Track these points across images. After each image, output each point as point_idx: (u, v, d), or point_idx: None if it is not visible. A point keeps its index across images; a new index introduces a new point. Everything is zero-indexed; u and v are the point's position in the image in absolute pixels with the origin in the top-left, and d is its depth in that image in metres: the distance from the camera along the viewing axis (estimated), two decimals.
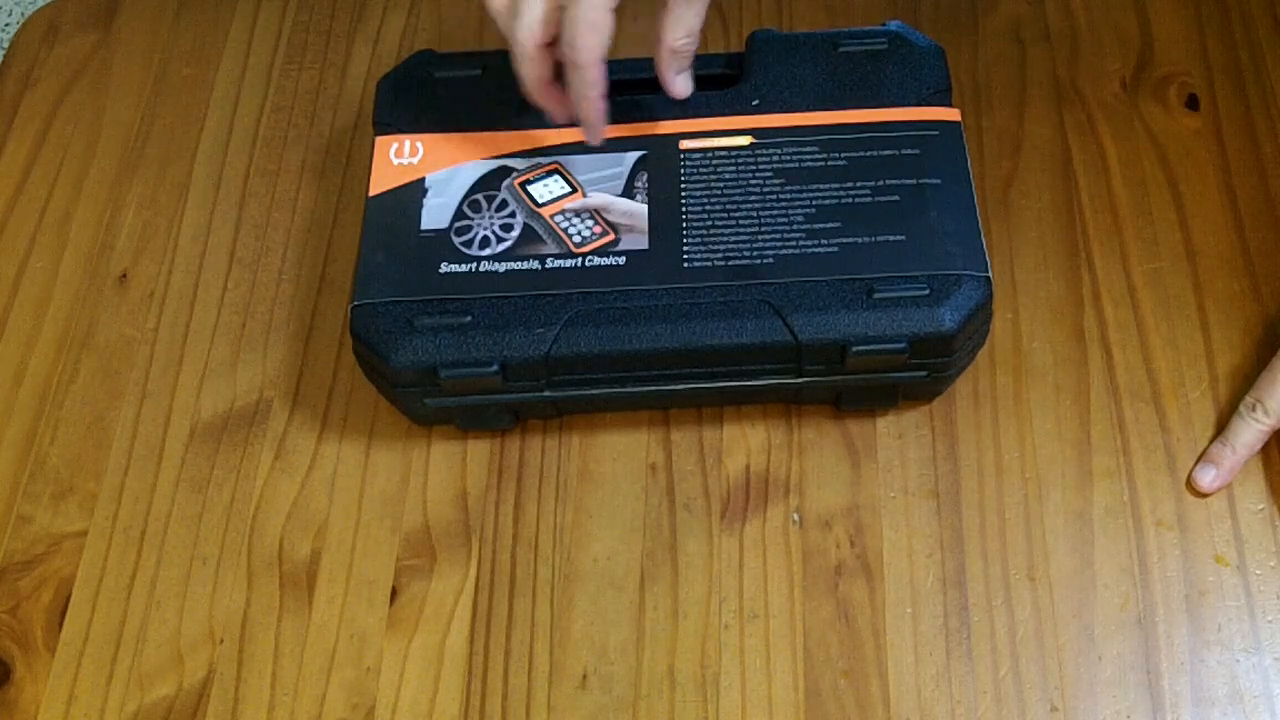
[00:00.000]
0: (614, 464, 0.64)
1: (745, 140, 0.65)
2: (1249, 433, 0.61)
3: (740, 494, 0.62)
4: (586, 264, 0.61)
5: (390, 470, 0.64)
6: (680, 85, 0.65)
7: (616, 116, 0.66)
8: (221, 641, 0.60)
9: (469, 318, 0.60)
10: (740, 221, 0.62)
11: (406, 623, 0.60)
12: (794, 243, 0.61)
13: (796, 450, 0.63)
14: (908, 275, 0.60)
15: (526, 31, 0.60)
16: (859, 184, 0.63)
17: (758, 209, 0.62)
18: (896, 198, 0.62)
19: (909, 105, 0.65)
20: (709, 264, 0.61)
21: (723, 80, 0.68)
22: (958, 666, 0.58)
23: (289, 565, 0.62)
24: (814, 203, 0.62)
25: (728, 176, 0.64)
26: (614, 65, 0.70)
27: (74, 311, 0.70)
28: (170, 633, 0.60)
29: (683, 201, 0.63)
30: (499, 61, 0.69)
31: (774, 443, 0.63)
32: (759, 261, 0.61)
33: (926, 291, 0.59)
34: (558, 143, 0.65)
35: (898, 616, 0.59)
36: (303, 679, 0.59)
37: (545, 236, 0.62)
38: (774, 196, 0.63)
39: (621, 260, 0.61)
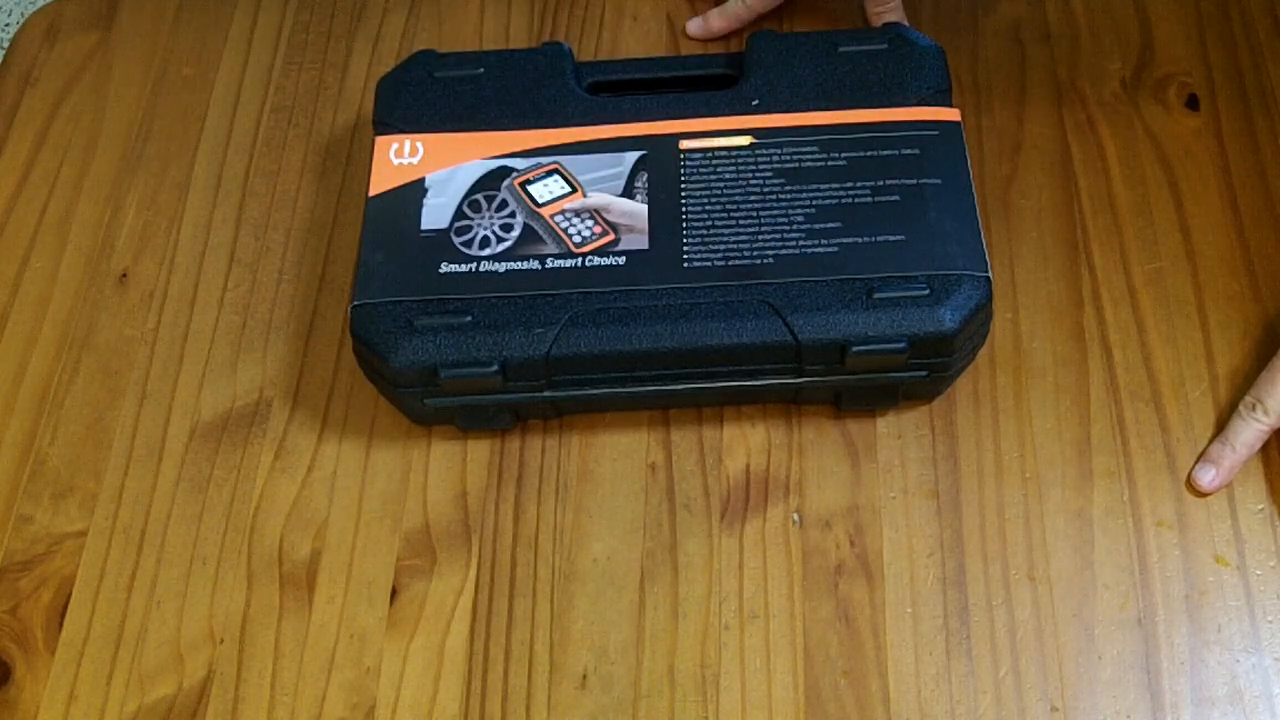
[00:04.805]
0: (614, 464, 0.64)
1: (745, 140, 0.65)
2: (1249, 432, 0.61)
3: (740, 494, 0.62)
4: (586, 264, 0.61)
5: (390, 470, 0.64)
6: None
7: (616, 116, 0.66)
8: (221, 641, 0.60)
9: (469, 318, 0.60)
10: (740, 221, 0.62)
11: (406, 623, 0.60)
12: (794, 243, 0.61)
13: (796, 450, 0.63)
14: (908, 275, 0.60)
15: None
16: (859, 184, 0.63)
17: (758, 209, 0.62)
18: (896, 198, 0.62)
19: (909, 105, 0.65)
20: (709, 264, 0.61)
21: (723, 80, 0.68)
22: (958, 666, 0.58)
23: (289, 565, 0.62)
24: (814, 203, 0.62)
25: (728, 176, 0.64)
26: (614, 65, 0.70)
27: (74, 311, 0.70)
28: (170, 633, 0.60)
29: (683, 201, 0.63)
30: (499, 61, 0.69)
31: (774, 443, 0.63)
32: (759, 261, 0.61)
33: (926, 291, 0.59)
34: (558, 143, 0.65)
35: (898, 616, 0.59)
36: (303, 679, 0.59)
37: (545, 236, 0.62)
38: (774, 196, 0.63)
39: (621, 260, 0.61)
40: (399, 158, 0.65)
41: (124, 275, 0.71)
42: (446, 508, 0.63)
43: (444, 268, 0.62)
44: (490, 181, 0.64)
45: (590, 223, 0.63)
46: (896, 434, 0.63)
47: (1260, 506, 0.61)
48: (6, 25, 1.54)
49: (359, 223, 0.70)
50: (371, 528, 0.63)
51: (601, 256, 0.62)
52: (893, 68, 0.67)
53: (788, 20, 0.78)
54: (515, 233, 0.63)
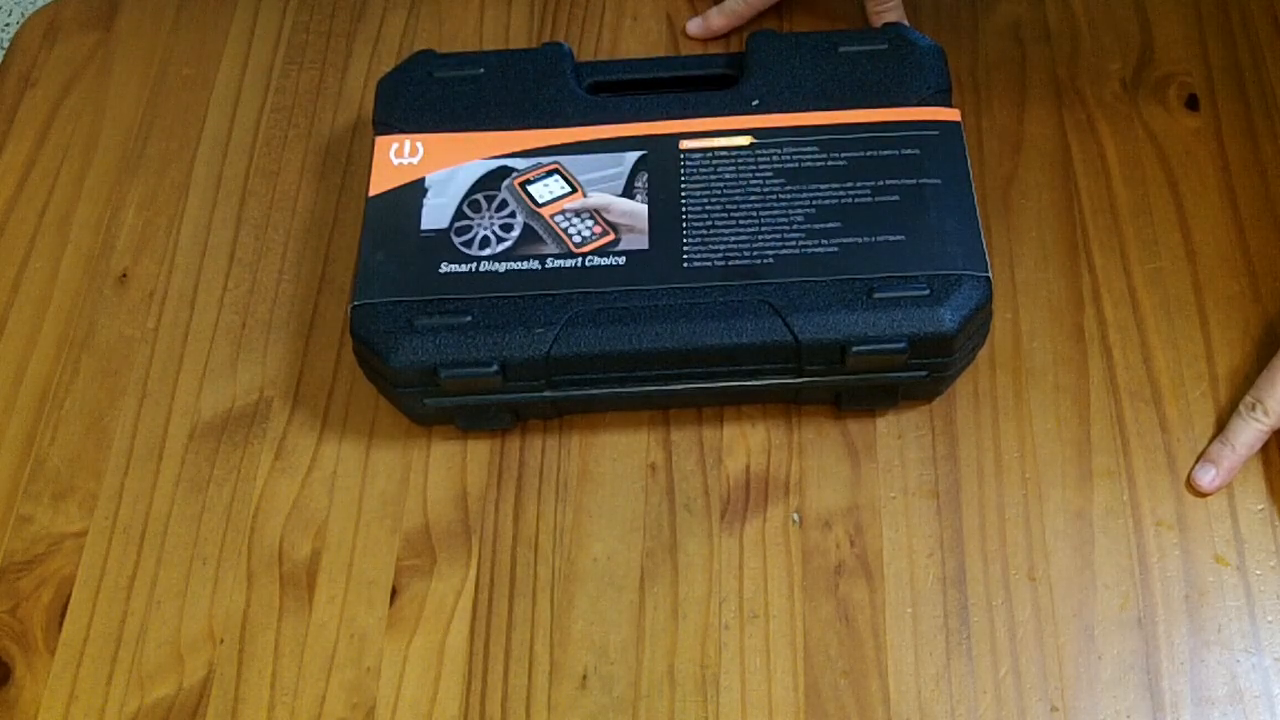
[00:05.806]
0: (614, 464, 0.64)
1: (745, 140, 0.65)
2: (1249, 432, 0.61)
3: (740, 494, 0.62)
4: (586, 264, 0.61)
5: (390, 470, 0.64)
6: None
7: (616, 116, 0.66)
8: (221, 641, 0.60)
9: (469, 318, 0.60)
10: (740, 221, 0.62)
11: (406, 623, 0.60)
12: (794, 243, 0.61)
13: (796, 450, 0.63)
14: (908, 275, 0.60)
15: None
16: (859, 184, 0.63)
17: (758, 209, 0.62)
18: (896, 198, 0.62)
19: (909, 105, 0.65)
20: (709, 264, 0.61)
21: (723, 80, 0.68)
22: (958, 666, 0.58)
23: (289, 565, 0.62)
24: (814, 203, 0.62)
25: (728, 176, 0.64)
26: (614, 65, 0.70)
27: (74, 311, 0.70)
28: (170, 633, 0.60)
29: (683, 201, 0.63)
30: (499, 61, 0.69)
31: (774, 443, 0.63)
32: (759, 261, 0.61)
33: (926, 291, 0.59)
34: (558, 143, 0.65)
35: (898, 616, 0.59)
36: (303, 679, 0.59)
37: (545, 236, 0.62)
38: (774, 196, 0.63)
39: (621, 260, 0.61)
40: (399, 158, 0.65)
41: (124, 275, 0.71)
42: (446, 508, 0.63)
43: (444, 268, 0.62)
44: (490, 181, 0.64)
45: (590, 223, 0.63)
46: (896, 434, 0.63)
47: (1260, 506, 0.61)
48: (6, 25, 1.54)
49: (359, 223, 0.70)
50: (371, 528, 0.63)
51: (601, 256, 0.62)
52: (893, 68, 0.67)
53: (788, 20, 0.78)
54: (515, 233, 0.63)
